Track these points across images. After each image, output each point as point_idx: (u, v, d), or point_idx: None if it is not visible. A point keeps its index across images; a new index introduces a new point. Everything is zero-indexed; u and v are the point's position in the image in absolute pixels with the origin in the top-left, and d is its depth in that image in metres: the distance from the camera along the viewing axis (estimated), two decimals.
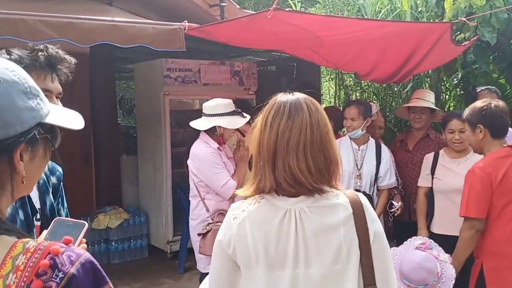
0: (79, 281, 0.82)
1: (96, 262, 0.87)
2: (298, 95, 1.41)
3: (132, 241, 5.21)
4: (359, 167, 3.50)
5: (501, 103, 2.79)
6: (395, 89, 6.75)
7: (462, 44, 4.05)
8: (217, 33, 3.60)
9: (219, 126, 3.21)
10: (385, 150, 3.58)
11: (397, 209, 3.46)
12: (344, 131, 3.95)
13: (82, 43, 3.05)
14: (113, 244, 5.10)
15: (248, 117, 3.26)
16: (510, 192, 2.57)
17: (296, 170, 1.31)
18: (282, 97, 1.41)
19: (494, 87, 3.80)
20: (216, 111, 3.21)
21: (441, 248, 2.77)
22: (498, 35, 4.11)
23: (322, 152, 1.34)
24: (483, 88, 3.74)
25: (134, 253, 5.24)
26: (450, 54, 4.34)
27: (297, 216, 1.33)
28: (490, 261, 2.60)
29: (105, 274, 0.88)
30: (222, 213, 3.15)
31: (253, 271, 1.34)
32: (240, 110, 3.28)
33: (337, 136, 3.78)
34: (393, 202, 3.49)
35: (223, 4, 5.22)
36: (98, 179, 5.39)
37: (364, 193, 3.43)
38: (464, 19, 3.71)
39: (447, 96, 6.58)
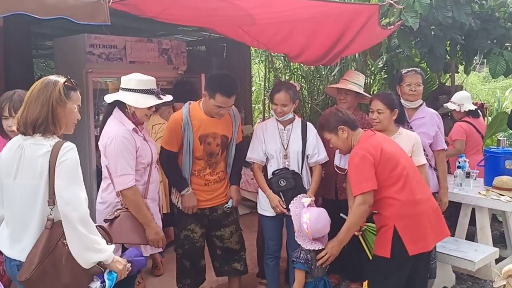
0: None
1: None
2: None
3: None
4: (285, 147, 3.51)
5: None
6: (323, 72, 6.90)
7: (387, 28, 4.18)
8: (144, 7, 3.40)
9: (130, 105, 2.92)
10: (311, 127, 3.59)
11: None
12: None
13: None
14: None
15: (167, 98, 2.98)
16: (390, 161, 2.89)
17: (18, 120, 2.21)
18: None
19: (419, 69, 3.94)
20: (127, 86, 2.91)
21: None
22: (420, 20, 4.28)
23: (42, 114, 2.16)
24: (409, 69, 3.86)
25: None
26: (376, 38, 4.46)
27: (23, 148, 2.19)
28: (402, 222, 2.85)
29: None
30: None
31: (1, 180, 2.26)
32: (159, 91, 2.96)
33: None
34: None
35: None
36: None
37: (294, 171, 3.48)
38: (392, 1, 3.82)
39: (371, 80, 6.82)
